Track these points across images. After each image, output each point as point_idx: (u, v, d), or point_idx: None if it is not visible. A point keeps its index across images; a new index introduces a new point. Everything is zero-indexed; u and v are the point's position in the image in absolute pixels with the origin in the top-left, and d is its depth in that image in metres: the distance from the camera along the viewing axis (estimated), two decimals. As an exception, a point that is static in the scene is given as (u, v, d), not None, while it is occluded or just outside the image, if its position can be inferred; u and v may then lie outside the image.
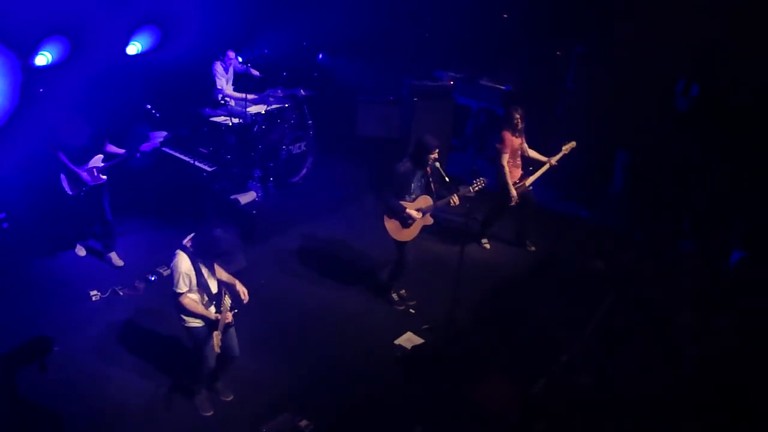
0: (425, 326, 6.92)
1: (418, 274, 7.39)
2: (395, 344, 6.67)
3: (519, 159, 8.10)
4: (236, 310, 5.35)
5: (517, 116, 7.84)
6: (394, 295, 7.31)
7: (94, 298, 7.04)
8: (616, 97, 9.41)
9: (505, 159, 7.91)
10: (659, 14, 8.81)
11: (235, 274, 7.23)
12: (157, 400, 5.75)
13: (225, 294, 5.30)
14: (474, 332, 6.81)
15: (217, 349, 5.13)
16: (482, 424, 5.34)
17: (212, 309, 5.26)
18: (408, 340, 6.73)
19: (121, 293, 7.15)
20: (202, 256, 5.09)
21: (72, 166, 7.09)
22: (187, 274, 5.04)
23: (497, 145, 7.99)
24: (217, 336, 5.10)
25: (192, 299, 5.15)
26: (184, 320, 5.26)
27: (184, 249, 5.08)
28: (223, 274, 5.39)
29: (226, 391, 5.83)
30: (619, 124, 9.42)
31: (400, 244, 6.92)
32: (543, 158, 8.02)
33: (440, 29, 11.57)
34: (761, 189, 7.75)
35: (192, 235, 5.14)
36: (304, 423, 5.46)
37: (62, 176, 7.18)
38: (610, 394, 5.42)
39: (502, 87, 11.15)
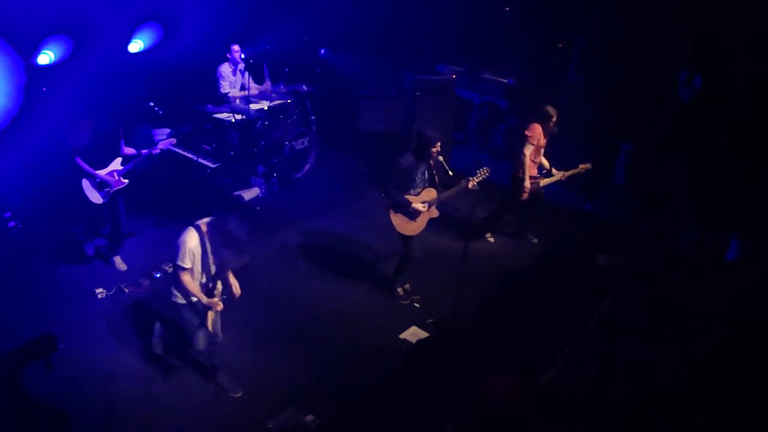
0: (430, 320, 6.94)
1: (422, 269, 7.39)
2: (400, 339, 6.68)
3: (539, 158, 8.03)
4: (225, 296, 5.48)
5: (554, 116, 7.78)
6: (399, 290, 7.32)
7: (99, 296, 7.06)
8: (618, 89, 9.39)
9: (529, 149, 7.83)
10: (661, 4, 8.79)
11: (240, 270, 7.26)
12: (165, 397, 5.77)
13: (218, 279, 5.41)
14: (478, 326, 6.82)
15: (211, 328, 5.33)
16: (488, 416, 5.35)
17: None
18: (413, 334, 6.74)
19: (126, 290, 7.17)
20: (217, 242, 5.18)
21: (90, 170, 6.99)
22: (193, 252, 5.15)
23: (525, 132, 7.87)
24: (211, 315, 5.32)
25: (191, 278, 5.25)
26: (173, 294, 5.40)
27: (197, 228, 5.18)
28: None
29: (234, 387, 5.84)
30: (621, 116, 9.40)
31: (406, 239, 6.92)
32: (554, 171, 8.05)
33: (441, 23, 11.55)
34: (764, 180, 7.73)
35: (209, 219, 5.26)
36: (309, 418, 5.48)
37: (85, 183, 7.06)
38: (615, 387, 5.42)
39: (505, 80, 11.14)
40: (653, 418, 5.11)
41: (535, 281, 7.74)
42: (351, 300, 7.29)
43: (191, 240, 5.13)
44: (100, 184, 7.11)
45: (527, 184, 7.87)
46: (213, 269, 5.36)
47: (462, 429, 5.26)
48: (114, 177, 7.13)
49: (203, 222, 5.26)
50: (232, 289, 5.47)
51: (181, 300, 5.41)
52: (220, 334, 5.68)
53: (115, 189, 7.17)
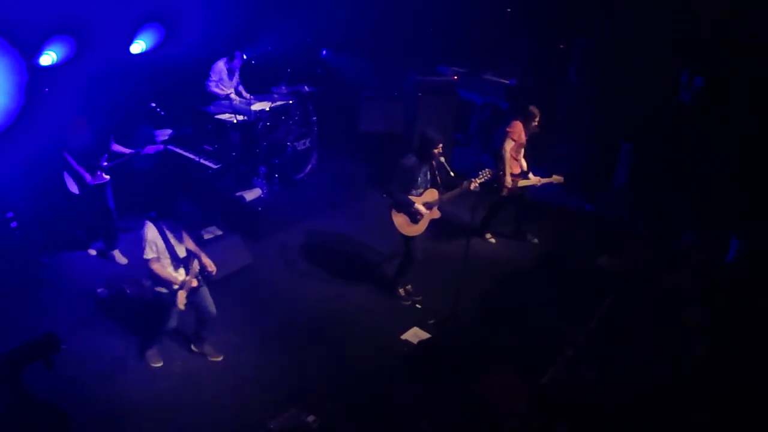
0: (431, 321, 6.94)
1: (423, 270, 7.40)
2: (402, 339, 6.69)
3: (521, 158, 8.14)
4: (207, 273, 5.79)
5: (536, 116, 7.92)
6: (401, 291, 7.33)
7: (101, 295, 7.08)
8: (618, 89, 9.39)
9: (509, 144, 7.93)
10: (661, 4, 8.79)
11: (240, 270, 7.29)
12: (165, 397, 5.78)
13: (193, 260, 5.73)
14: (479, 326, 6.82)
15: (181, 307, 5.60)
16: (488, 417, 5.35)
17: (181, 271, 5.70)
18: (414, 335, 6.75)
19: (128, 290, 7.18)
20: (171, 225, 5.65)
21: (76, 166, 7.13)
22: (153, 242, 5.57)
23: (507, 129, 8.01)
24: (182, 294, 5.57)
25: (160, 265, 5.60)
26: (154, 286, 5.77)
27: (152, 220, 5.60)
28: (190, 244, 5.82)
29: (214, 353, 6.21)
30: (621, 116, 9.40)
31: (407, 239, 6.93)
32: (531, 176, 8.15)
33: (443, 24, 11.55)
34: (764, 180, 7.73)
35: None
36: (311, 419, 5.49)
37: (66, 175, 7.23)
38: (615, 387, 5.42)
39: (506, 81, 11.15)
40: (653, 418, 5.11)
41: (535, 281, 7.74)
42: (351, 300, 7.30)
43: (149, 232, 5.55)
44: (80, 177, 7.23)
45: (508, 179, 7.94)
46: (181, 253, 5.69)
47: (462, 429, 5.27)
48: (96, 173, 7.28)
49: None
50: (207, 268, 5.78)
51: (162, 290, 5.73)
52: (213, 310, 5.98)
53: (95, 183, 7.31)
